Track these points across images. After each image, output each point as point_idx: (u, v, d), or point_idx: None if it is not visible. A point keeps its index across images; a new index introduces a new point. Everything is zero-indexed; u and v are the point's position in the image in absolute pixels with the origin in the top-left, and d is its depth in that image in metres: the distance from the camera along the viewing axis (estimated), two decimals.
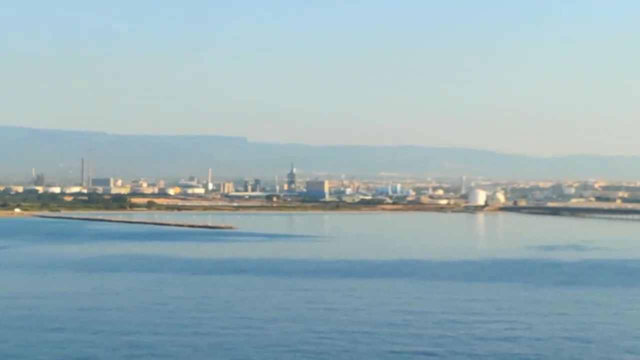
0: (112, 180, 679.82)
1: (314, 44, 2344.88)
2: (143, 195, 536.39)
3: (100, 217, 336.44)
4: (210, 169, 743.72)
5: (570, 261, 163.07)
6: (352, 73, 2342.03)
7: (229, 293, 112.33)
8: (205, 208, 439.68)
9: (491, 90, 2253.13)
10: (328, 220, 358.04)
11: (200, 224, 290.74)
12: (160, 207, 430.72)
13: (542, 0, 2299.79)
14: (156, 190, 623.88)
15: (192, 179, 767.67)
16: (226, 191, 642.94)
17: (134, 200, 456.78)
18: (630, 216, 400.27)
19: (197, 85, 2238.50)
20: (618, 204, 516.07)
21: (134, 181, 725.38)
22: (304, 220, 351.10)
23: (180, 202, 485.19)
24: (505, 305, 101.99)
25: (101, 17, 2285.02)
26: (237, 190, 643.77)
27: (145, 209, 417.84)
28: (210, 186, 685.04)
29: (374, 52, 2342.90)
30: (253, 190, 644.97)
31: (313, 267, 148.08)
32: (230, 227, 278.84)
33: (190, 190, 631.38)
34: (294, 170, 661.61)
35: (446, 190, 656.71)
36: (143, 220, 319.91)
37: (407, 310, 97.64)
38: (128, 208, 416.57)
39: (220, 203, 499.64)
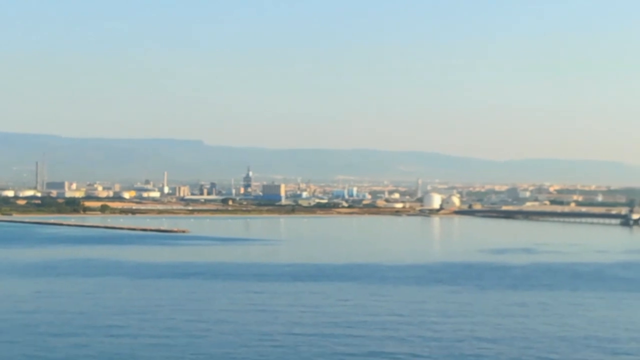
0: (66, 184, 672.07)
1: (271, 46, 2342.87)
2: (98, 198, 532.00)
3: (52, 220, 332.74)
4: (166, 172, 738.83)
5: (520, 264, 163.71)
6: (311, 76, 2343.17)
7: (172, 297, 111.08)
8: (159, 212, 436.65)
9: (448, 94, 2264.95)
10: (282, 224, 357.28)
11: (153, 228, 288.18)
12: (114, 210, 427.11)
13: (495, 2, 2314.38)
14: (111, 193, 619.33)
15: (148, 182, 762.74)
16: (182, 195, 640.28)
17: (88, 204, 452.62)
18: (583, 219, 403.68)
19: (154, 88, 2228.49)
20: (572, 207, 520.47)
21: (89, 185, 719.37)
22: (258, 224, 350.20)
23: (135, 206, 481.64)
24: (451, 308, 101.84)
25: (47, 21, 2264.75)
26: (193, 194, 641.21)
27: (99, 212, 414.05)
28: (166, 190, 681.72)
29: (332, 55, 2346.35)
30: (209, 193, 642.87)
31: (262, 270, 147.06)
32: (184, 231, 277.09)
33: (145, 194, 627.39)
34: (250, 174, 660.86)
35: (403, 194, 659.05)
36: (96, 224, 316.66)
37: (351, 312, 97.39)
38: (82, 212, 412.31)
39: (175, 207, 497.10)
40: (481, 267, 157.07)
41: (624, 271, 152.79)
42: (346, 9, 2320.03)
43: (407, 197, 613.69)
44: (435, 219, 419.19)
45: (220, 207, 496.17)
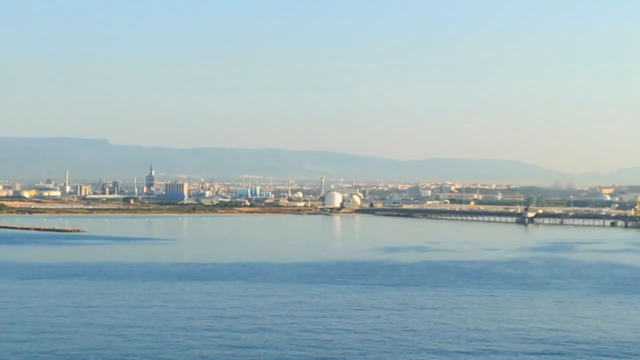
0: None
1: (178, 46, 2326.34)
2: None
3: None
4: (67, 171, 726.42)
5: (410, 262, 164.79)
6: (218, 76, 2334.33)
7: (48, 297, 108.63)
8: (58, 211, 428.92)
9: (355, 95, 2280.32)
10: (181, 223, 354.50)
11: (47, 228, 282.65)
12: (11, 210, 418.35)
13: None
14: (11, 192, 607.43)
15: (49, 181, 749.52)
16: (84, 194, 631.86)
17: None
18: (481, 218, 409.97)
19: (57, 86, 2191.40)
20: (471, 206, 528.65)
21: None
22: (157, 224, 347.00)
23: (34, 205, 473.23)
24: (330, 306, 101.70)
25: None
26: (95, 193, 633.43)
27: None
28: (68, 189, 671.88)
29: (240, 55, 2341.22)
30: (111, 192, 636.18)
31: (149, 270, 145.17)
32: (79, 230, 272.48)
33: (46, 193, 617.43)
34: (153, 173, 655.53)
35: (307, 193, 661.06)
36: None
37: (230, 312, 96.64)
38: None
39: (76, 206, 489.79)
40: (371, 266, 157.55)
41: (510, 269, 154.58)
42: (250, 9, 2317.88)
43: (311, 196, 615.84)
44: (336, 218, 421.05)
45: (121, 206, 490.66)
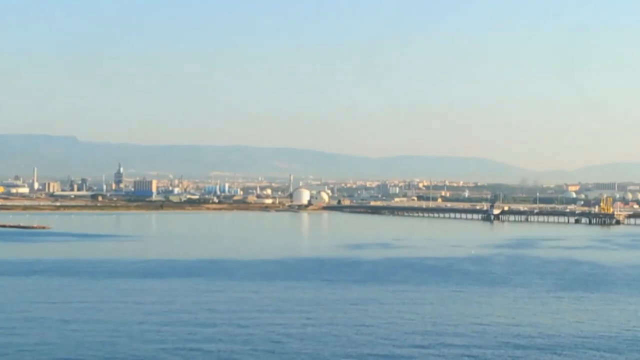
0: None
1: (148, 44, 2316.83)
2: None
3: None
4: (35, 168, 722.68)
5: (373, 260, 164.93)
6: (188, 74, 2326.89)
7: (3, 294, 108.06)
8: (25, 208, 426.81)
9: (324, 92, 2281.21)
10: (147, 220, 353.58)
11: (12, 224, 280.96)
12: None
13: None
14: None
15: (17, 178, 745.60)
16: (52, 191, 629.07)
17: None
18: (447, 215, 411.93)
19: (26, 83, 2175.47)
20: (438, 202, 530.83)
21: None
22: (124, 220, 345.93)
23: (1, 202, 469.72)
24: (288, 303, 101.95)
25: None
26: (63, 190, 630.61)
27: None
28: (36, 185, 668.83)
29: (207, 53, 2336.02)
30: (79, 189, 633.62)
31: (111, 267, 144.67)
32: (44, 227, 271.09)
33: (14, 190, 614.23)
34: (121, 170, 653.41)
35: (276, 190, 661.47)
36: None
37: (187, 308, 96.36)
38: None
39: (43, 202, 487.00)
40: (334, 262, 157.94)
41: (472, 265, 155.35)
42: (217, 8, 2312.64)
43: (280, 193, 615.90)
44: (304, 215, 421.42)
45: (89, 203, 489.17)
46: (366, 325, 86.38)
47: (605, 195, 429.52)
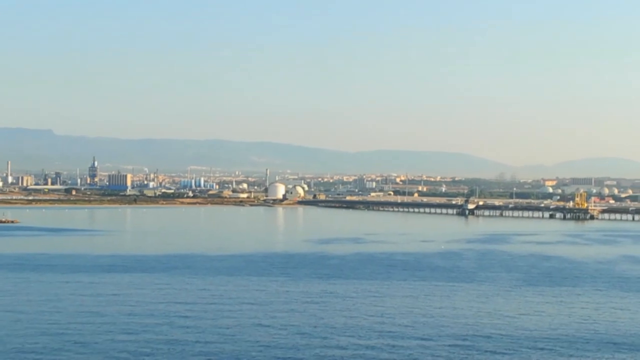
0: None
1: (123, 38, 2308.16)
2: None
3: None
4: (9, 162, 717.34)
5: (343, 254, 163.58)
6: (165, 68, 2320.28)
7: None
8: None
9: (304, 88, 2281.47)
10: (120, 214, 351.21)
11: None
12: None
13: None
14: None
15: None
16: (26, 184, 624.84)
17: None
18: (422, 209, 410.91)
19: (2, 76, 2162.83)
20: (414, 197, 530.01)
21: None
22: (96, 214, 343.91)
23: None
24: (248, 299, 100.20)
25: None
26: (37, 184, 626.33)
27: None
28: (10, 179, 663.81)
29: (186, 47, 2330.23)
30: (54, 183, 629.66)
31: (76, 261, 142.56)
32: (13, 221, 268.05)
33: None
34: (96, 164, 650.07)
35: (252, 184, 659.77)
36: None
37: (145, 303, 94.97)
38: None
39: (16, 197, 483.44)
40: (302, 257, 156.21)
41: (441, 260, 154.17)
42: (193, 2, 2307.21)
43: (256, 187, 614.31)
44: (278, 209, 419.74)
45: (62, 197, 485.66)
46: (323, 322, 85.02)
47: (581, 190, 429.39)
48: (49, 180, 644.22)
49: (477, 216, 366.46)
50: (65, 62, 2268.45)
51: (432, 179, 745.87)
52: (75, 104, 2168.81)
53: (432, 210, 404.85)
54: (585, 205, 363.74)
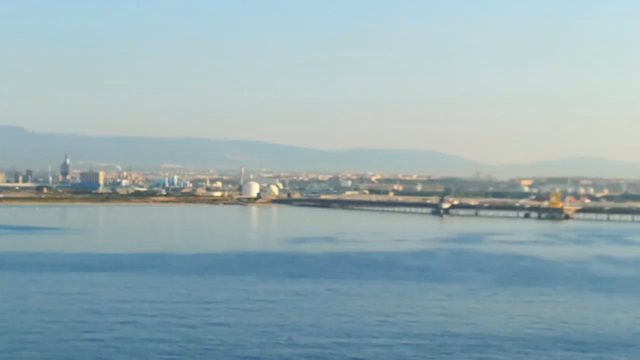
0: None
1: (93, 35, 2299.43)
2: None
3: None
4: None
5: (315, 254, 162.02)
6: (136, 65, 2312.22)
7: None
8: None
9: (278, 86, 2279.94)
10: (91, 212, 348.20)
11: None
12: None
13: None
14: None
15: None
16: None
17: None
18: (397, 209, 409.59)
19: None
20: (390, 196, 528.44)
21: None
22: (67, 213, 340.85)
23: None
24: (215, 298, 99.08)
25: None
26: (7, 182, 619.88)
27: None
28: None
29: (159, 44, 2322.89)
30: (25, 181, 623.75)
31: (42, 260, 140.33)
32: None
33: None
34: (68, 161, 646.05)
35: (227, 183, 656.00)
36: None
37: (108, 303, 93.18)
38: None
39: None
40: (273, 257, 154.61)
41: (414, 260, 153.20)
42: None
43: (230, 185, 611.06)
44: (252, 208, 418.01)
45: (33, 195, 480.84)
46: (290, 319, 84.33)
47: (557, 190, 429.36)
48: (20, 178, 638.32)
49: (452, 215, 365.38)
50: (36, 57, 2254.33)
51: (408, 178, 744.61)
52: (47, 100, 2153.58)
53: (407, 209, 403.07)
54: (561, 204, 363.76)
